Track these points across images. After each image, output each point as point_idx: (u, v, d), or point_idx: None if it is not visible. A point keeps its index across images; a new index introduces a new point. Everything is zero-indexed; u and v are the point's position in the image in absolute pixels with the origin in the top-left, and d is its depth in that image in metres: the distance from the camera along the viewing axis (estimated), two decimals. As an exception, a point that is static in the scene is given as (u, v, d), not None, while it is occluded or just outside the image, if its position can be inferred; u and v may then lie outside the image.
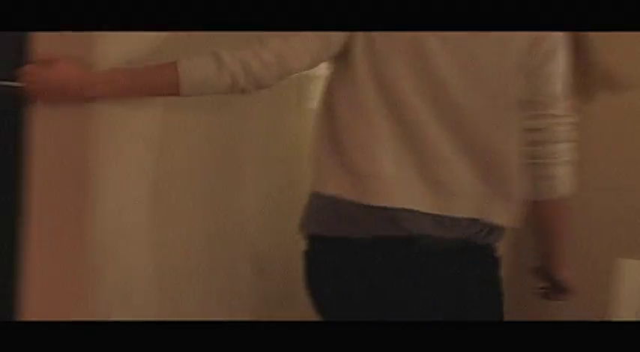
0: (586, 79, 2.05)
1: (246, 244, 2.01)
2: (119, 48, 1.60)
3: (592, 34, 2.03)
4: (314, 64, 1.87)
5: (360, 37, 1.87)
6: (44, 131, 1.57)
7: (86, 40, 1.56)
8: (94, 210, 1.60)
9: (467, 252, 1.95)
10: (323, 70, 2.06)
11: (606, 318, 3.53)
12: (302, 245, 1.86)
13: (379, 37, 1.87)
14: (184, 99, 1.73)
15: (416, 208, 1.86)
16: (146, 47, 1.67)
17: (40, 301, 1.62)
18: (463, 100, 1.91)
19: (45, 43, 1.55)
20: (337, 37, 1.86)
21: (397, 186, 1.86)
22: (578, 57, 2.01)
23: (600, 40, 3.36)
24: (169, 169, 1.75)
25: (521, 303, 3.68)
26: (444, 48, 1.89)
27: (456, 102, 1.91)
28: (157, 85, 1.70)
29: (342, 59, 1.90)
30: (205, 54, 1.76)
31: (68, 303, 1.63)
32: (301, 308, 2.35)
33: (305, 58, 1.85)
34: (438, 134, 1.89)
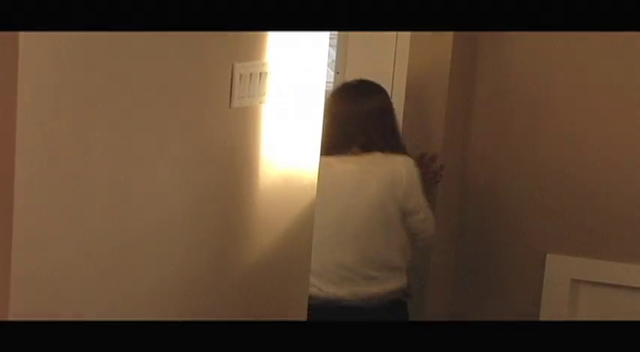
0: None
1: (174, 242, 2.03)
2: (43, 48, 1.61)
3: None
4: None
5: None
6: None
7: (9, 40, 1.56)
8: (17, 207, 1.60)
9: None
10: (252, 68, 2.16)
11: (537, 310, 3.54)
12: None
13: None
14: (111, 97, 1.78)
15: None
16: (75, 47, 1.68)
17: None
18: (363, 222, 3.17)
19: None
20: None
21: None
22: None
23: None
24: (93, 167, 1.76)
25: (452, 302, 3.69)
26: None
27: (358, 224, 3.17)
28: None
29: None
30: None
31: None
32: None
33: None
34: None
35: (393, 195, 3.17)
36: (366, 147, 3.20)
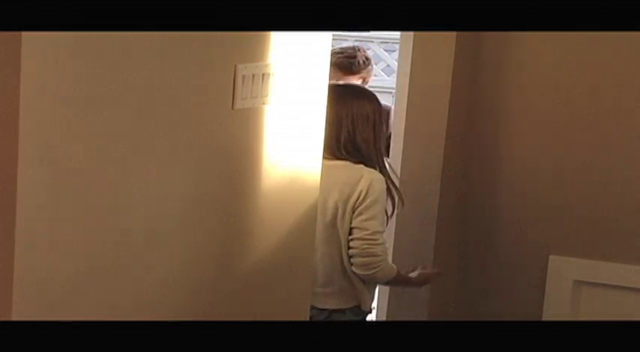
0: None
1: (176, 244, 2.03)
2: (46, 47, 1.61)
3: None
4: None
5: None
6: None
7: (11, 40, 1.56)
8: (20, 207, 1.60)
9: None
10: (255, 69, 2.15)
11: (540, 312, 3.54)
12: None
13: None
14: (114, 98, 1.79)
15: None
16: (77, 47, 1.68)
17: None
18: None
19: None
20: None
21: None
22: None
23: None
24: (95, 167, 1.77)
25: (452, 302, 3.70)
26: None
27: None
28: None
29: None
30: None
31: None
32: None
33: None
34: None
35: (343, 210, 3.05)
36: (337, 155, 3.08)
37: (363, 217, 3.05)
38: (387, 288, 3.65)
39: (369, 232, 3.05)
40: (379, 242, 3.06)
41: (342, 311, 3.13)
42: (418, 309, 3.57)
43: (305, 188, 2.54)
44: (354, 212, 3.05)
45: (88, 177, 1.77)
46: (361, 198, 3.05)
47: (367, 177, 3.08)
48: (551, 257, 3.53)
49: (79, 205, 1.75)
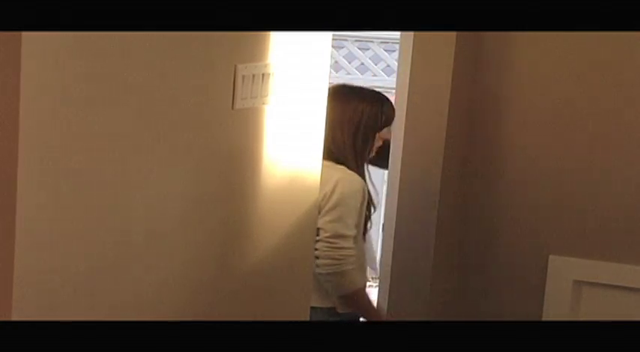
0: None
1: (177, 244, 2.03)
2: (46, 47, 1.61)
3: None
4: None
5: None
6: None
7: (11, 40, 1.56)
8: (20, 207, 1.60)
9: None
10: (255, 69, 2.17)
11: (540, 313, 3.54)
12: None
13: None
14: (114, 98, 1.78)
15: None
16: (77, 47, 1.68)
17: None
18: None
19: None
20: None
21: None
22: None
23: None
24: (95, 167, 1.77)
25: (452, 302, 3.70)
26: None
27: None
28: None
29: None
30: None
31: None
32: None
33: None
34: None
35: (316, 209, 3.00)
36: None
37: (326, 219, 3.04)
38: (387, 288, 3.65)
39: (328, 235, 3.04)
40: (338, 246, 3.04)
41: (314, 309, 3.10)
42: (418, 309, 3.57)
43: (305, 188, 2.54)
44: (319, 213, 3.01)
45: (88, 177, 1.77)
46: (326, 199, 3.03)
47: (335, 179, 3.06)
48: (551, 257, 3.53)
49: (79, 205, 1.75)
